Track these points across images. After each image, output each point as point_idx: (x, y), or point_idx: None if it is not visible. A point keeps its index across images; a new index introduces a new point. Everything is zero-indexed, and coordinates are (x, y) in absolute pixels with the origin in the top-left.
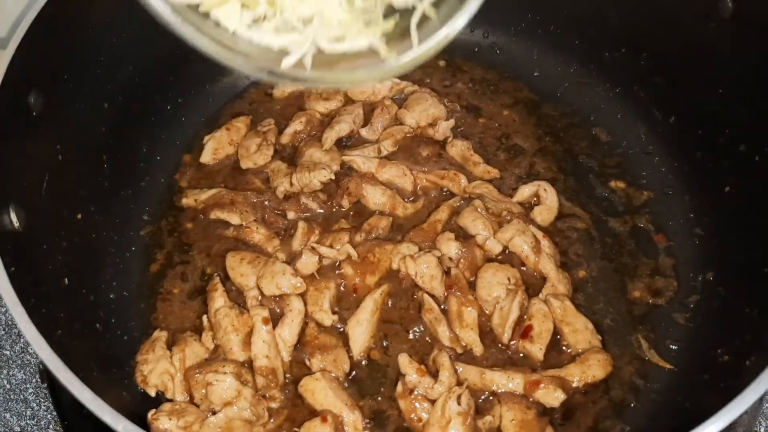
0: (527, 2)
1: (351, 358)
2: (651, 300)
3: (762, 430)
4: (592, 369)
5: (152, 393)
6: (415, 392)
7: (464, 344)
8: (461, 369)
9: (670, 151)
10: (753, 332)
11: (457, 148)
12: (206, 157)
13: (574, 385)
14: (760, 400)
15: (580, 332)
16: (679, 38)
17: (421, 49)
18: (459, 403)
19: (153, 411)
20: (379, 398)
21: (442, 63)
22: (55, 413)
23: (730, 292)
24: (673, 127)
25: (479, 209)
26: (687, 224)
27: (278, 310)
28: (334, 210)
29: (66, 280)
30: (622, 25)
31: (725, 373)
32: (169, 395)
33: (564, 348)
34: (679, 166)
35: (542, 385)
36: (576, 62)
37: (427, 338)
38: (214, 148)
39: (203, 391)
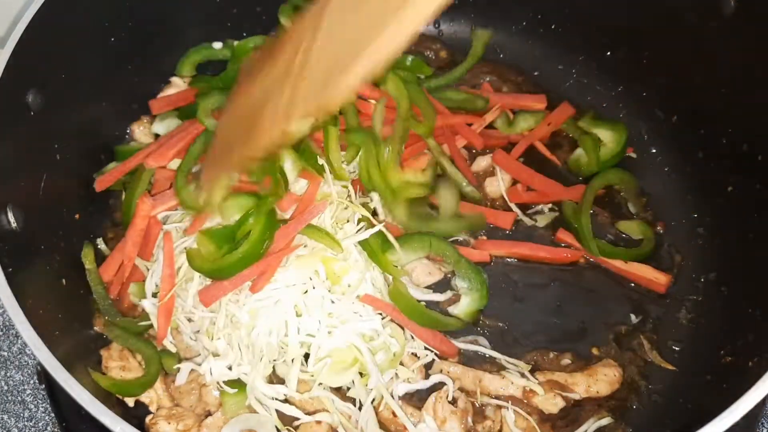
0: (528, 1)
1: None
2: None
3: (764, 431)
4: (599, 384)
5: (131, 403)
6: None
7: None
8: (458, 370)
9: (672, 150)
10: (756, 333)
11: None
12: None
13: (575, 396)
14: (763, 401)
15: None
16: (681, 37)
17: None
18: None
19: (151, 415)
20: None
21: (444, 54)
22: (53, 415)
23: (733, 292)
24: (676, 127)
25: None
26: (689, 224)
27: None
28: None
29: (64, 280)
30: (624, 24)
31: (728, 374)
32: (152, 408)
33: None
34: (682, 166)
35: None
36: (578, 61)
37: None
38: None
39: (196, 393)
